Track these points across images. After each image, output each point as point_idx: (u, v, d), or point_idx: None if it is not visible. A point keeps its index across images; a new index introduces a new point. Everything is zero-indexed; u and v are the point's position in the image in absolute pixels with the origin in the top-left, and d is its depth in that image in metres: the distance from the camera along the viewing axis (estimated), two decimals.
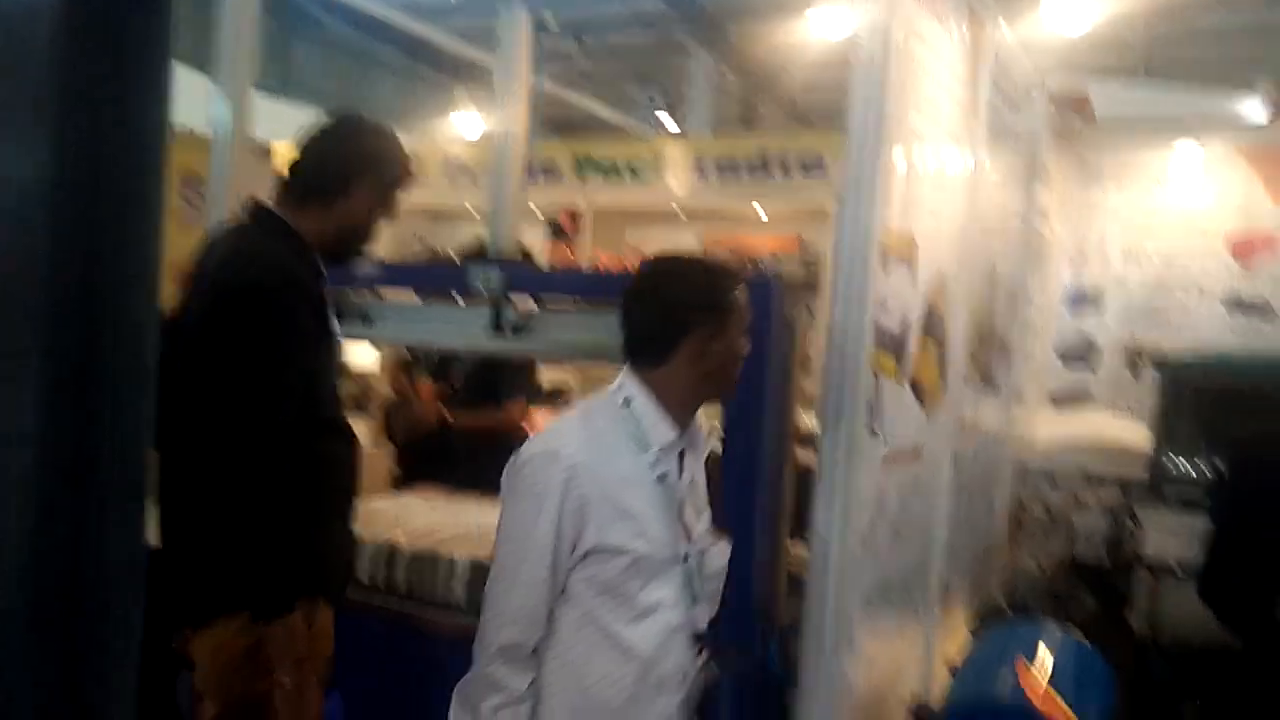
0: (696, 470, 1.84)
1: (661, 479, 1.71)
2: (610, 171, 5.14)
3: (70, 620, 0.71)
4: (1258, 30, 10.46)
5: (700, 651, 1.78)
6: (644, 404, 1.73)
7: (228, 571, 1.83)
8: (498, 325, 2.37)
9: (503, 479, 1.71)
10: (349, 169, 1.97)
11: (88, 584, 0.72)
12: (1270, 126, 5.34)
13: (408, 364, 4.14)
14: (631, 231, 5.54)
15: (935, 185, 2.84)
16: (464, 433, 3.96)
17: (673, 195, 5.13)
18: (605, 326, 2.47)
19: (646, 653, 1.68)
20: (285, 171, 1.99)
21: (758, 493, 2.25)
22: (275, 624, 1.86)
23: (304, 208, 1.96)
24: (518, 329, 2.39)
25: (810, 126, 16.16)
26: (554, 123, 11.30)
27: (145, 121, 0.74)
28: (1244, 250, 5.11)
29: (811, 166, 4.90)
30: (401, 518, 2.85)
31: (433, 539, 2.66)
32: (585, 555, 1.64)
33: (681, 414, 1.75)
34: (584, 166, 5.18)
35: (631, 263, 5.37)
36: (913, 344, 2.74)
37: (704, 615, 1.77)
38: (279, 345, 1.81)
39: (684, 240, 5.38)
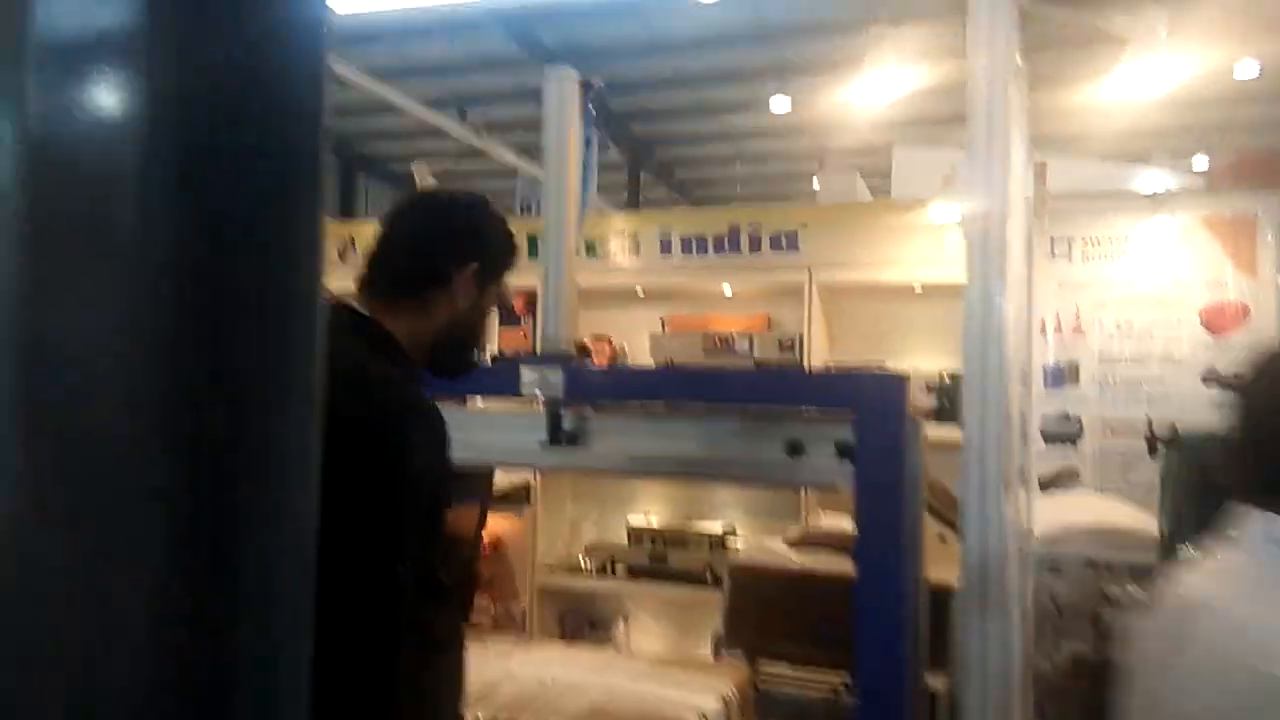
0: None
1: None
2: None
3: None
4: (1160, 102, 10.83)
5: None
6: None
7: None
8: (555, 435, 1.92)
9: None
10: (448, 252, 1.54)
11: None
12: (1229, 195, 5.35)
13: None
14: (588, 313, 5.14)
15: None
16: None
17: (633, 273, 4.78)
18: (678, 434, 2.07)
19: None
20: (366, 262, 1.55)
21: (904, 620, 1.84)
22: None
23: (395, 306, 1.51)
24: (574, 439, 1.95)
25: (695, 200, 16.30)
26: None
27: None
28: (1216, 322, 5.03)
29: (784, 241, 4.62)
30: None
31: (506, 705, 2.09)
32: None
33: None
34: (536, 245, 4.77)
35: (598, 346, 4.99)
36: None
37: None
38: (411, 497, 1.32)
39: (645, 320, 5.01)
